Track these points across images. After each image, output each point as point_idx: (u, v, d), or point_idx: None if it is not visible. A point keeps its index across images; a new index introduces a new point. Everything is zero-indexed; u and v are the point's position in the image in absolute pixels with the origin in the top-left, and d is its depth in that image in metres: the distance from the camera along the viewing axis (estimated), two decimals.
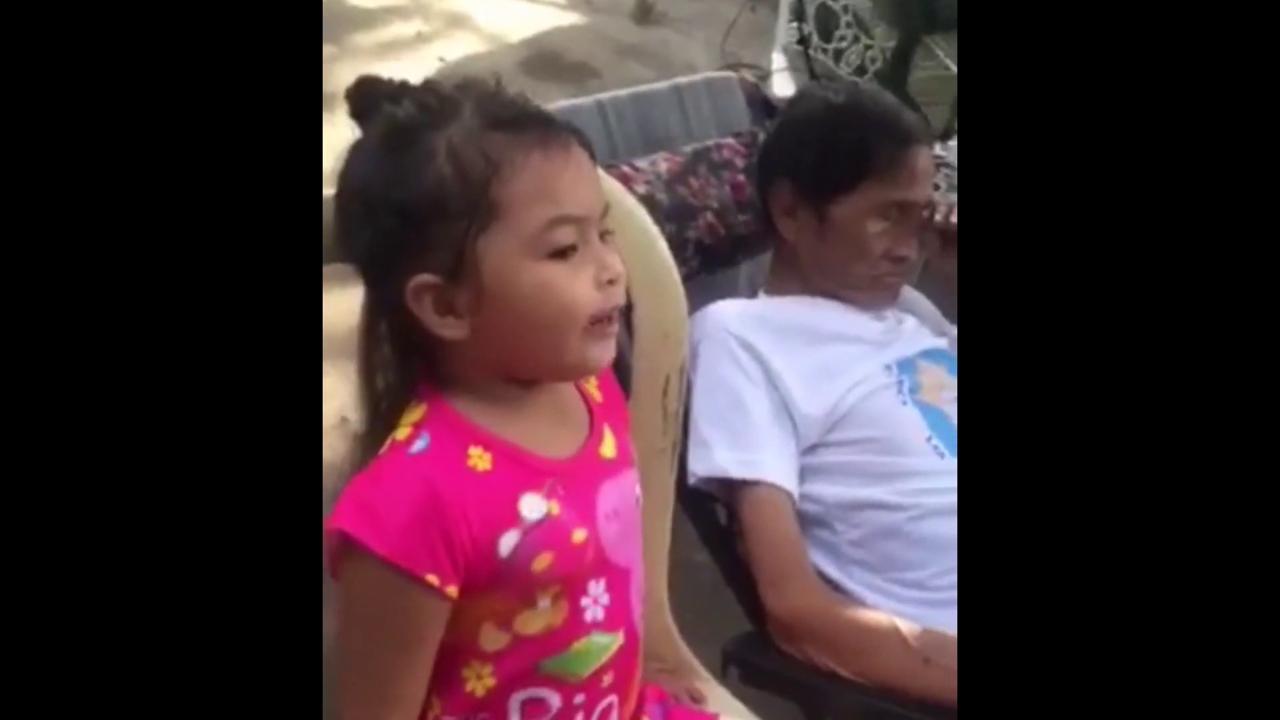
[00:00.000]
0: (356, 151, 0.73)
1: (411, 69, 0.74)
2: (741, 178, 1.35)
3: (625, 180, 1.21)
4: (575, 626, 0.76)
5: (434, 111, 0.71)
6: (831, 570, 1.14)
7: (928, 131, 1.25)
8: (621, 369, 1.09)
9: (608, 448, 0.80)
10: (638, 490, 0.83)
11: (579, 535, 0.75)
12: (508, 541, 0.71)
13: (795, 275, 1.27)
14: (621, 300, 0.74)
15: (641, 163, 1.28)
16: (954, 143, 2.44)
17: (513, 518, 0.72)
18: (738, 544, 1.17)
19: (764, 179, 1.29)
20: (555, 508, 0.74)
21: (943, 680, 0.99)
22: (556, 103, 1.27)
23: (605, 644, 0.78)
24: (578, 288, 0.71)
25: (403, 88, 0.73)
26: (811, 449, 1.16)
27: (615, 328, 0.75)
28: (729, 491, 1.15)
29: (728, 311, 1.20)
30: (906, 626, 1.04)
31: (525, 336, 0.72)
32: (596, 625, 0.77)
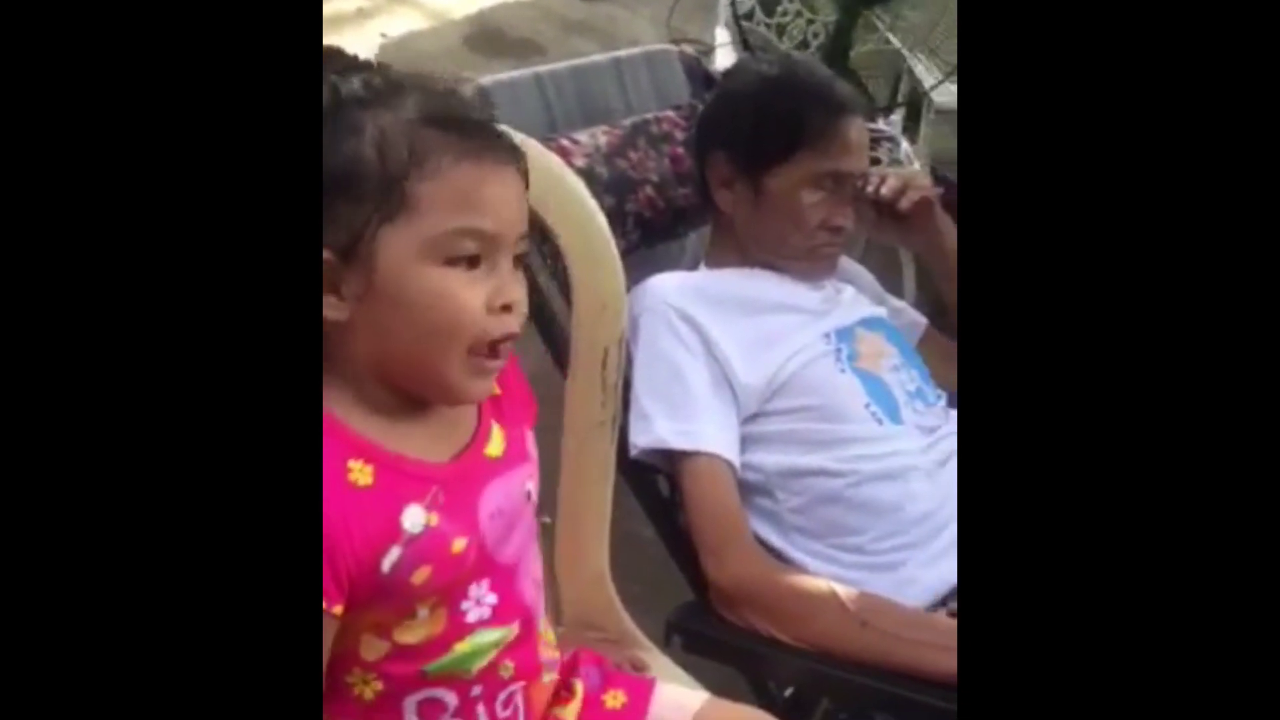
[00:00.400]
0: None
1: (353, 44, 0.73)
2: (681, 150, 1.35)
3: (564, 153, 1.21)
4: (457, 629, 0.75)
5: (376, 92, 0.70)
6: (774, 538, 1.16)
7: (861, 102, 1.26)
8: (560, 341, 1.10)
9: (494, 446, 0.78)
10: (529, 485, 0.81)
11: (458, 545, 0.73)
12: (390, 558, 0.70)
13: (734, 247, 1.28)
14: (514, 330, 0.72)
15: (580, 136, 1.28)
16: (896, 117, 2.47)
17: (394, 533, 0.70)
18: (679, 515, 1.18)
19: (700, 152, 1.29)
20: (435, 519, 0.72)
21: (879, 642, 1.02)
22: (490, 76, 1.25)
23: (494, 639, 0.77)
24: (467, 302, 0.70)
25: (360, 65, 0.72)
26: (752, 418, 1.17)
27: (499, 363, 0.73)
28: (670, 462, 1.15)
29: (667, 284, 1.20)
30: (844, 591, 1.05)
31: (404, 341, 0.70)
32: (482, 623, 0.76)
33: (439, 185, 0.68)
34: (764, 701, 1.19)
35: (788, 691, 1.23)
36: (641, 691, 0.90)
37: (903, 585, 1.11)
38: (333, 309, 0.69)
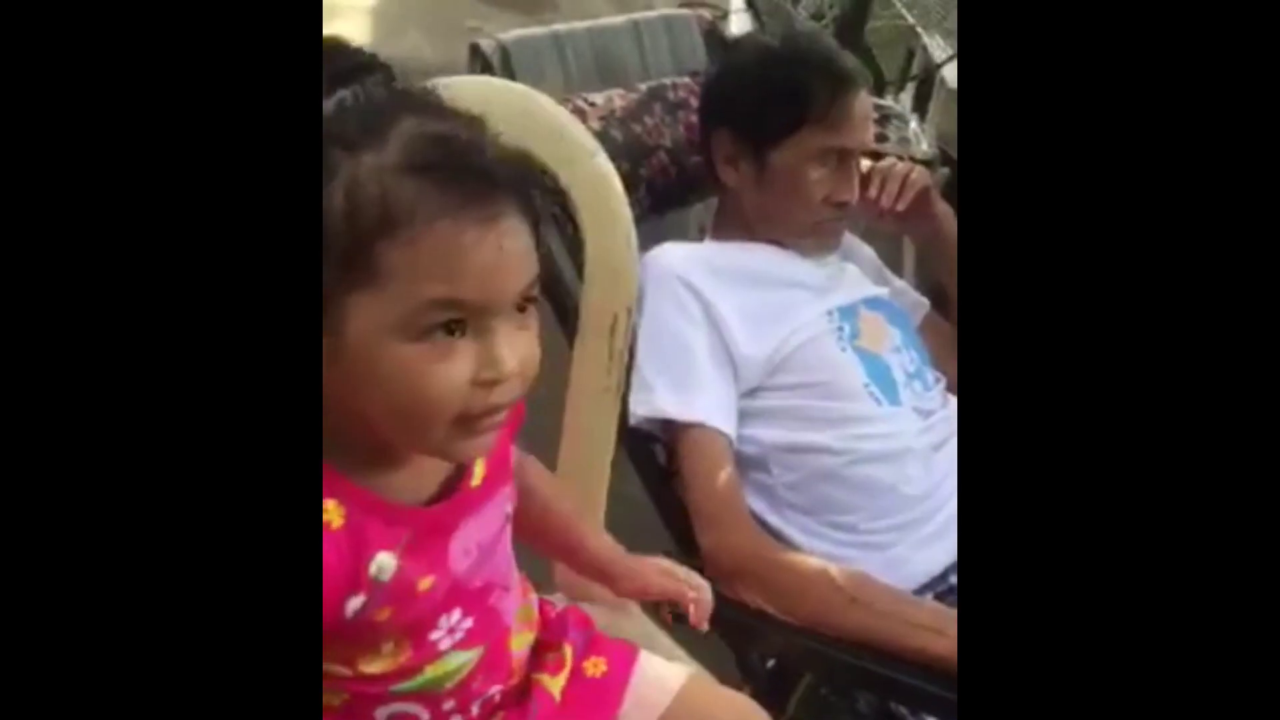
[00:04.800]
0: None
1: None
2: (696, 118, 1.34)
3: (579, 115, 1.20)
4: (426, 656, 0.71)
5: (358, 123, 0.60)
6: (767, 513, 1.16)
7: (866, 75, 1.25)
8: (567, 306, 1.09)
9: (476, 476, 0.72)
10: (508, 508, 0.76)
11: (424, 584, 0.68)
12: (353, 604, 0.65)
13: (739, 222, 1.27)
14: (506, 400, 0.63)
15: (596, 98, 1.26)
16: (906, 94, 2.45)
17: (361, 581, 0.65)
18: (674, 484, 1.18)
19: (704, 128, 1.28)
20: (403, 564, 0.67)
21: (868, 621, 1.03)
22: (510, 33, 1.24)
23: (465, 660, 0.73)
24: (443, 380, 0.61)
25: (357, 69, 0.62)
26: (751, 392, 1.17)
27: (498, 422, 0.65)
28: (669, 432, 1.16)
29: (673, 254, 1.20)
30: (835, 569, 1.06)
31: (381, 411, 0.63)
32: (456, 646, 0.72)
33: (411, 251, 0.59)
34: (746, 671, 1.21)
35: (770, 663, 1.25)
36: (623, 661, 0.87)
37: (893, 565, 1.12)
38: None
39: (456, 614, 0.72)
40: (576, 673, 0.85)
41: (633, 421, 1.14)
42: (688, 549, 1.18)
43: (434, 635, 0.71)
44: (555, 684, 0.82)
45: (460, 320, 0.61)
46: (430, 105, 0.63)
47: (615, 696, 0.84)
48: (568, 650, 0.85)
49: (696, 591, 0.92)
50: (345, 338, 0.60)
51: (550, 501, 0.89)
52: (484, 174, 0.61)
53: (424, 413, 0.62)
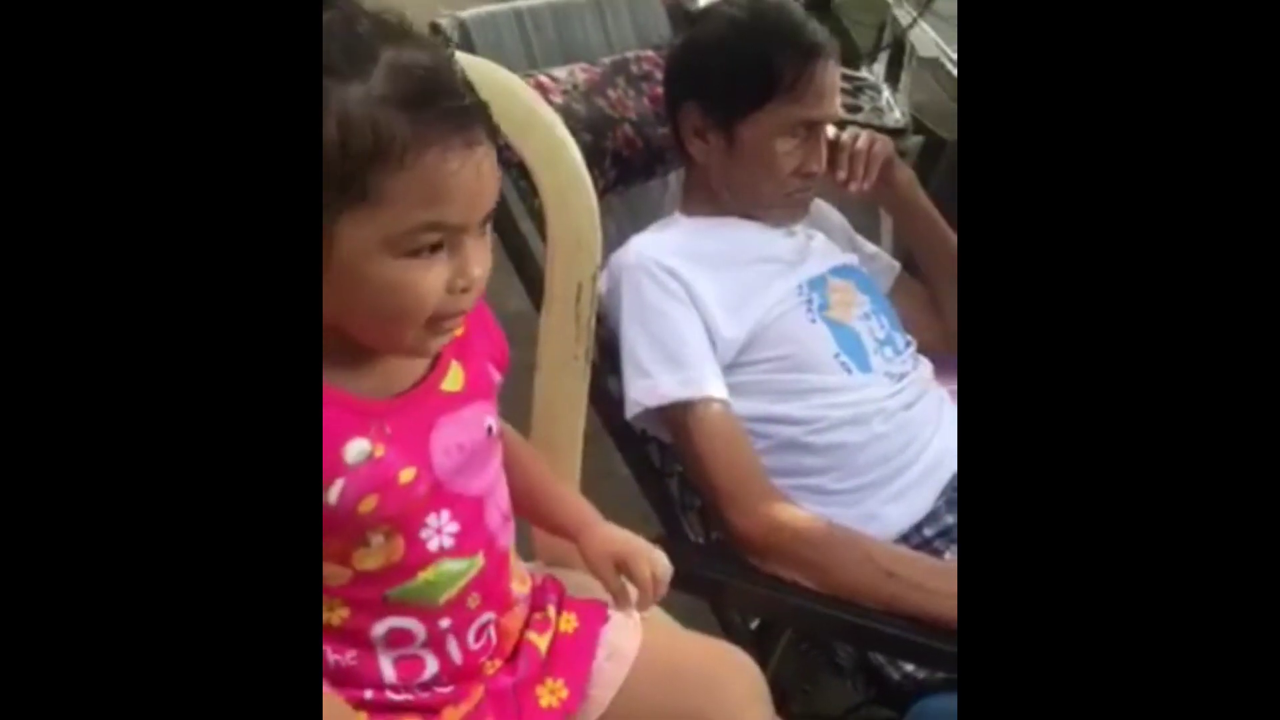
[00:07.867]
0: None
1: None
2: (660, 90, 1.35)
3: (541, 90, 1.20)
4: (419, 557, 0.76)
5: (346, 56, 0.65)
6: None
7: (834, 44, 1.24)
8: (537, 279, 1.10)
9: (451, 381, 0.78)
10: (489, 420, 0.81)
11: (406, 475, 0.73)
12: (335, 490, 0.71)
13: (708, 196, 1.28)
14: (470, 307, 0.73)
15: (559, 73, 1.27)
16: (879, 65, 2.45)
17: (338, 466, 0.71)
18: (649, 448, 1.19)
19: (671, 102, 1.27)
20: (380, 450, 0.72)
21: (905, 593, 1.03)
22: (472, 10, 1.25)
23: (459, 569, 0.78)
24: (426, 288, 0.69)
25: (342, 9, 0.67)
26: (725, 369, 1.17)
27: (460, 321, 0.74)
28: (673, 416, 1.14)
29: (645, 245, 1.20)
30: (871, 543, 1.07)
31: (361, 315, 0.71)
32: (445, 553, 0.77)
33: (403, 178, 0.65)
34: (729, 632, 1.22)
35: (754, 623, 1.27)
36: (594, 617, 0.90)
37: (865, 520, 1.13)
38: None
39: (445, 515, 0.76)
40: (557, 630, 0.89)
41: (631, 413, 1.14)
42: (667, 518, 1.20)
43: (423, 534, 0.76)
44: (542, 641, 0.87)
45: (438, 244, 0.69)
46: (405, 34, 0.69)
47: (589, 648, 0.88)
48: (550, 611, 0.89)
49: (651, 578, 0.90)
50: (334, 253, 0.67)
51: (523, 460, 0.91)
52: (463, 104, 0.68)
53: (405, 317, 0.70)
